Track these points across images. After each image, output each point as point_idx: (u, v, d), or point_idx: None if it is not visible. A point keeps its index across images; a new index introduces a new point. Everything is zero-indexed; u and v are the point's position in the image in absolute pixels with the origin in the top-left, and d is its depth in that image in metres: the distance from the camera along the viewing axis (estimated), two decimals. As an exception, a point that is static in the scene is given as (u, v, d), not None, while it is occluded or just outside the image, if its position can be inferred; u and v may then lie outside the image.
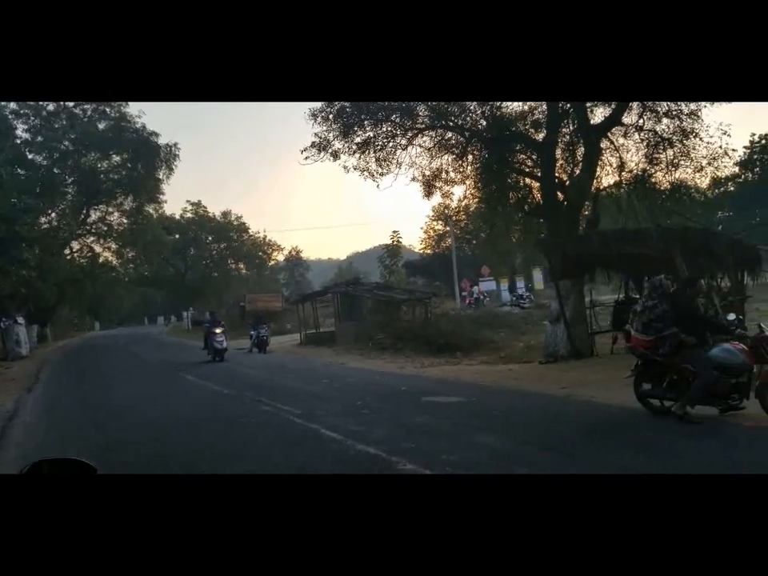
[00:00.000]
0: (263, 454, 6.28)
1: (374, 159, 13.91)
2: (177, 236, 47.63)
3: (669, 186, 13.65)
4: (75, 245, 34.59)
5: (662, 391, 6.52)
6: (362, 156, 13.88)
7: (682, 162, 13.19)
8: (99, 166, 32.76)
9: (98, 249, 35.74)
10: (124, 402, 10.78)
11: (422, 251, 51.66)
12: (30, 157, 30.35)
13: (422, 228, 56.99)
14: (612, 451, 5.44)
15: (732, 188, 40.32)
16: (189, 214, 50.52)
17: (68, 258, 33.88)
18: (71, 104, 30.20)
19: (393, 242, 49.89)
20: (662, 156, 13.25)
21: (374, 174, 14.12)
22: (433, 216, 47.20)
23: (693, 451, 5.28)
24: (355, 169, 14.14)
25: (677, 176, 13.45)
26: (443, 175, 14.57)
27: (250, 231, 52.25)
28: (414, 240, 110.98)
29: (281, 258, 61.02)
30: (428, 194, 14.96)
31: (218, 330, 17.16)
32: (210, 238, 51.55)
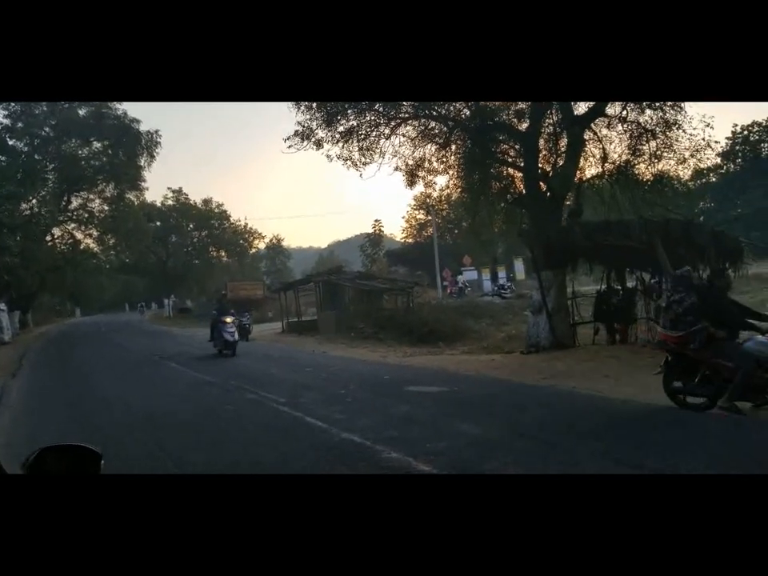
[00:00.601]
0: (249, 440, 6.31)
1: (357, 148, 13.88)
2: (158, 223, 47.11)
3: (651, 178, 13.80)
4: (56, 231, 34.26)
5: (694, 387, 6.37)
6: (346, 145, 13.84)
7: (665, 154, 13.35)
8: (80, 152, 32.27)
9: (79, 236, 35.39)
10: (107, 389, 10.76)
11: (403, 240, 51.72)
12: (10, 143, 29.82)
13: (403, 217, 57.05)
14: (592, 440, 5.55)
15: (714, 179, 40.90)
16: (170, 202, 49.93)
17: (49, 244, 33.50)
18: (51, 89, 29.58)
19: (374, 230, 49.93)
20: (644, 147, 13.39)
21: (357, 163, 14.10)
22: (415, 205, 47.27)
23: (669, 439, 5.41)
24: (338, 158, 14.10)
25: (659, 167, 13.62)
26: (426, 165, 14.60)
27: (231, 219, 51.86)
28: (396, 229, 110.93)
29: (262, 246, 60.66)
30: (411, 183, 14.98)
31: (228, 320, 14.43)
32: (191, 226, 51.03)
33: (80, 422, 7.98)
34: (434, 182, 15.87)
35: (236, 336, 14.65)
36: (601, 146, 13.84)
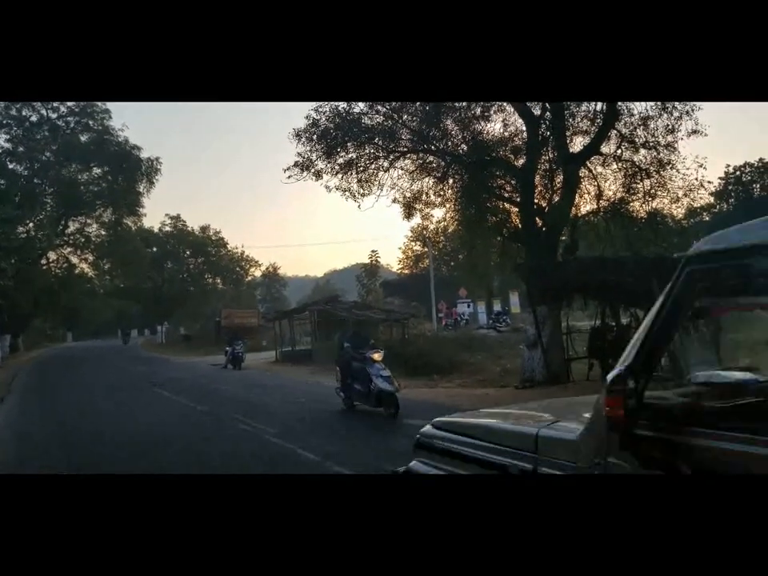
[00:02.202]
0: (240, 471, 6.20)
1: (356, 180, 14.02)
2: (155, 249, 47.16)
3: (645, 215, 13.97)
4: (52, 255, 34.28)
5: None
6: (345, 177, 13.99)
7: (659, 193, 13.55)
8: (80, 177, 32.53)
9: (74, 260, 35.42)
10: (97, 416, 10.64)
11: (399, 271, 51.91)
12: (10, 167, 30.06)
13: (400, 248, 57.38)
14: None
15: (707, 218, 41.45)
16: (167, 228, 50.13)
17: (44, 267, 33.46)
18: (54, 115, 30.04)
19: (371, 261, 50.14)
20: (639, 186, 13.60)
21: (356, 194, 14.23)
22: (411, 237, 47.60)
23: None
24: (337, 189, 14.23)
25: (653, 205, 13.79)
26: (424, 197, 14.74)
27: (228, 246, 52.02)
28: (393, 260, 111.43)
29: (258, 273, 60.76)
30: (408, 215, 15.11)
31: (376, 356, 9.66)
32: (188, 252, 51.12)
33: (67, 451, 7.85)
34: (431, 215, 16.02)
35: (394, 384, 9.47)
36: (596, 183, 14.05)
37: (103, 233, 34.84)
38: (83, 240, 34.72)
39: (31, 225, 30.13)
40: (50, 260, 34.52)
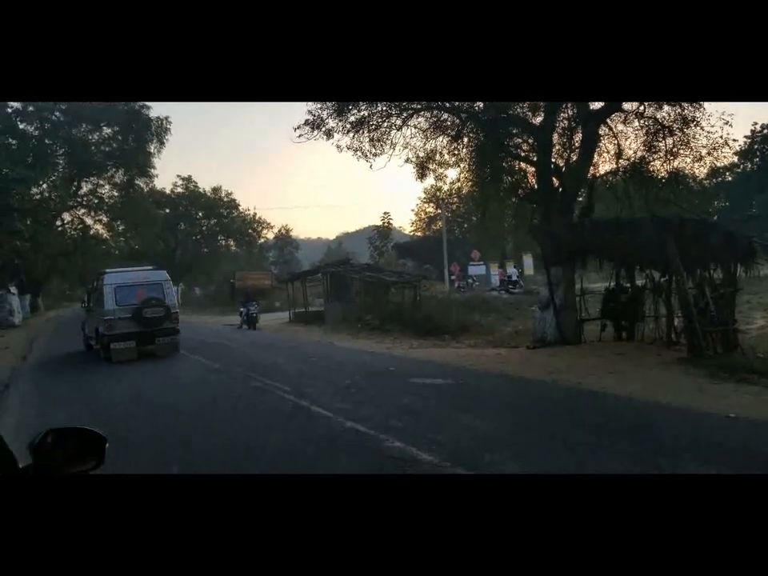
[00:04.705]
0: (254, 427, 6.33)
1: (367, 139, 13.77)
2: (167, 211, 47.14)
3: (666, 175, 13.61)
4: (67, 217, 34.59)
5: None
6: (356, 135, 13.74)
7: (681, 151, 13.12)
8: (90, 138, 32.36)
9: (89, 221, 35.68)
10: (116, 373, 10.86)
11: (412, 233, 51.60)
12: (21, 126, 29.90)
13: (413, 210, 56.89)
14: (593, 435, 5.51)
15: (730, 178, 40.31)
16: (179, 189, 49.95)
17: (59, 229, 33.75)
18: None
19: (383, 223, 49.84)
20: (661, 144, 13.19)
21: (368, 153, 13.99)
22: (425, 198, 47.07)
23: (667, 437, 5.36)
24: (348, 148, 13.99)
25: (675, 165, 13.41)
26: (437, 157, 14.48)
27: (240, 208, 51.87)
28: (405, 222, 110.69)
29: (271, 236, 60.67)
30: (421, 175, 14.87)
31: None
32: (200, 214, 51.04)
33: (87, 403, 8.08)
34: (445, 175, 15.78)
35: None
36: (616, 141, 13.66)
37: (116, 194, 34.90)
38: (96, 201, 34.84)
39: (45, 186, 30.24)
40: (65, 221, 34.81)
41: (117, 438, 6.12)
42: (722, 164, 17.78)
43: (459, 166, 14.77)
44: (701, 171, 14.73)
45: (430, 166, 14.70)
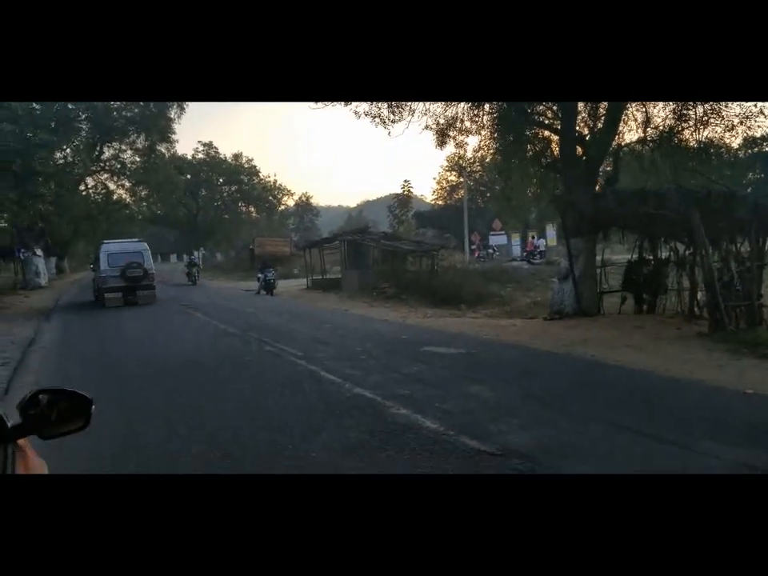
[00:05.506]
0: (264, 390, 6.38)
1: (386, 105, 13.46)
2: (188, 176, 47.30)
3: (696, 145, 13.10)
4: (90, 181, 34.91)
5: None
6: (374, 101, 13.43)
7: (713, 120, 12.58)
8: (111, 102, 32.33)
9: (111, 186, 36.04)
10: (135, 335, 11.08)
11: (433, 202, 51.01)
12: (43, 91, 30.01)
13: (434, 178, 56.17)
14: (602, 408, 5.42)
15: (766, 148, 38.72)
16: (200, 155, 50.04)
17: (83, 194, 34.18)
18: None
19: (403, 191, 49.30)
20: (691, 112, 12.66)
21: (386, 120, 13.69)
22: (447, 166, 46.30)
23: (681, 413, 5.25)
24: (366, 114, 13.71)
25: (706, 134, 12.87)
26: (458, 124, 14.11)
27: (260, 175, 51.78)
28: (427, 190, 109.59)
29: (291, 203, 60.63)
30: (441, 143, 14.54)
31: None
32: (221, 180, 51.18)
33: (103, 363, 8.24)
34: (466, 143, 15.39)
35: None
36: (644, 109, 13.16)
37: (137, 159, 35.13)
38: (119, 166, 35.11)
39: (68, 151, 30.46)
40: (89, 186, 35.23)
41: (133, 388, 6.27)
42: (756, 134, 16.99)
43: (480, 133, 14.38)
44: (733, 141, 14.14)
45: (450, 133, 14.35)
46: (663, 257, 12.35)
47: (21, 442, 1.85)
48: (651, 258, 12.42)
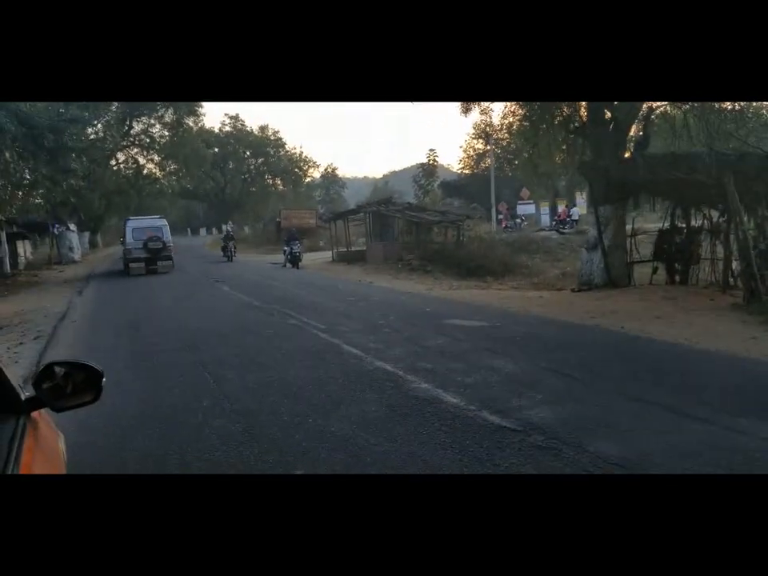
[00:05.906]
0: (285, 362, 6.45)
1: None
2: (216, 150, 47.53)
3: (731, 106, 12.50)
4: (120, 156, 35.42)
5: None
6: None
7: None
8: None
9: (141, 161, 36.52)
10: (163, 307, 11.33)
11: (460, 171, 50.14)
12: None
13: (461, 147, 55.13)
14: (629, 381, 5.32)
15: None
16: (227, 128, 50.13)
17: (114, 168, 34.72)
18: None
19: (429, 161, 48.51)
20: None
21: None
22: (473, 134, 45.30)
23: (707, 386, 5.12)
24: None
25: (743, 94, 12.26)
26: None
27: (286, 147, 51.67)
28: (453, 160, 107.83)
29: (317, 175, 60.48)
30: (466, 110, 14.21)
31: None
32: (247, 153, 51.32)
33: (134, 335, 8.44)
34: (491, 109, 15.01)
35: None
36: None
37: (166, 133, 35.49)
38: (148, 140, 35.58)
39: (99, 126, 30.85)
40: (119, 161, 35.77)
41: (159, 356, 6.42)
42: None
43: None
44: (771, 102, 13.44)
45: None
46: (696, 225, 11.94)
47: (34, 414, 1.89)
48: (684, 225, 12.03)
